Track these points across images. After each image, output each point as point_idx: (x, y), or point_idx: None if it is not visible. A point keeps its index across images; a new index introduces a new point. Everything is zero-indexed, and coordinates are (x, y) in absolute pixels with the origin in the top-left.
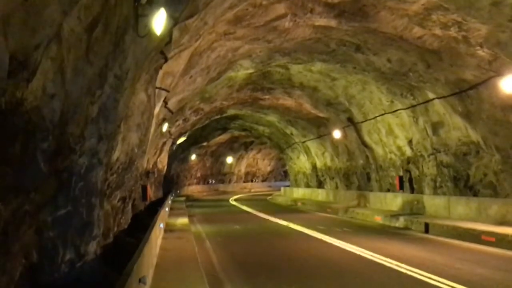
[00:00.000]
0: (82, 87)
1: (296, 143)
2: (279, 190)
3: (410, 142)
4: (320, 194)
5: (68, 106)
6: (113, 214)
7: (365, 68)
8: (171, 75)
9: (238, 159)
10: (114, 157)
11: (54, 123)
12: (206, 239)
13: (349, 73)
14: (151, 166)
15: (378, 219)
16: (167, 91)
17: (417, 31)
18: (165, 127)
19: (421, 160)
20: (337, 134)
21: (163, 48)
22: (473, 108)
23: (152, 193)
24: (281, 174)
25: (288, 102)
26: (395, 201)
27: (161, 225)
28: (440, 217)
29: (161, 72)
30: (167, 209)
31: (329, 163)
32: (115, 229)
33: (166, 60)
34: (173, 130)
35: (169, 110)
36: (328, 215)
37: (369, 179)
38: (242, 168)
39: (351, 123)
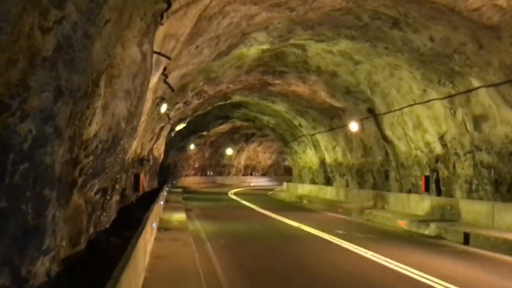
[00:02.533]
0: None
1: (303, 136)
2: (279, 185)
3: (442, 137)
4: (329, 192)
5: None
6: (88, 210)
7: (400, 48)
8: (173, 39)
9: (238, 151)
10: (90, 131)
11: None
12: (207, 241)
13: (378, 55)
14: (146, 153)
15: (402, 224)
16: (168, 58)
17: (474, 1)
18: (163, 108)
19: (454, 159)
20: (354, 126)
21: None
22: None
23: (146, 183)
24: (281, 168)
25: (301, 89)
26: (422, 204)
27: (154, 225)
28: (480, 226)
29: (161, 31)
30: (161, 202)
31: (340, 158)
32: (91, 230)
33: (169, 5)
34: (172, 114)
35: (170, 86)
36: (340, 216)
37: (387, 177)
38: (242, 160)
39: (371, 114)
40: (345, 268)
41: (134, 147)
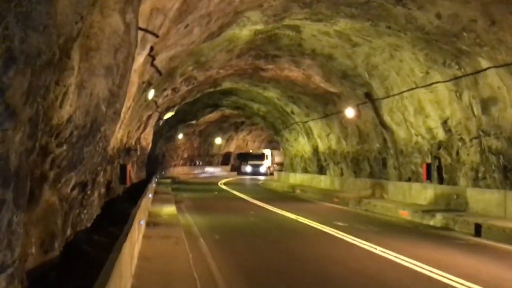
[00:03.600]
0: None
1: (295, 123)
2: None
3: (445, 122)
4: (323, 181)
5: None
6: (64, 209)
7: (404, 27)
8: (161, 14)
9: (227, 140)
10: (63, 114)
11: None
12: (200, 237)
13: (379, 35)
14: (133, 142)
15: (404, 214)
16: (156, 35)
17: None
18: (151, 94)
19: (458, 145)
20: (350, 112)
21: None
22: None
23: (134, 174)
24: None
25: (294, 73)
26: (424, 193)
27: (142, 222)
28: (491, 217)
29: (147, 5)
30: (150, 195)
31: (334, 146)
32: (68, 231)
33: None
34: (160, 101)
35: (157, 70)
36: (337, 206)
37: (385, 165)
38: (231, 149)
39: (369, 99)
40: (355, 267)
41: (120, 136)
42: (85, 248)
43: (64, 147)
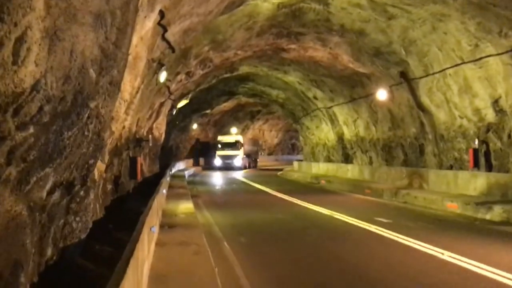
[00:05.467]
0: None
1: (318, 109)
2: (288, 164)
3: (496, 102)
4: (350, 171)
5: None
6: (39, 221)
7: None
8: None
9: (243, 130)
10: (22, 76)
11: None
12: (223, 240)
13: (422, 3)
14: (145, 132)
15: (453, 206)
16: None
17: None
18: (163, 76)
19: (511, 127)
20: (382, 94)
21: None
22: None
23: (146, 168)
24: (288, 147)
25: (320, 53)
26: (474, 182)
27: (154, 229)
28: None
29: None
30: (164, 190)
31: (362, 132)
32: (49, 252)
33: None
34: (173, 87)
35: (169, 45)
36: (370, 198)
37: (422, 152)
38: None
39: (404, 79)
40: (430, 283)
41: (129, 123)
42: (81, 263)
43: (31, 129)
